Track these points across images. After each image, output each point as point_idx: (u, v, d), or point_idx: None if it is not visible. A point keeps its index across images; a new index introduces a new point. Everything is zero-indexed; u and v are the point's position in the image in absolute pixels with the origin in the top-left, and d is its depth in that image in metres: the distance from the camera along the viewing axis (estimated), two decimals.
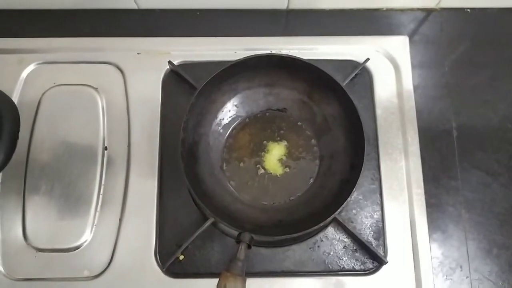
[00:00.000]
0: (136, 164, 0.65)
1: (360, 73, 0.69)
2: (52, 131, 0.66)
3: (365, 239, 0.61)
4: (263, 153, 0.66)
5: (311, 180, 0.65)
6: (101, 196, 0.63)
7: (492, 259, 0.63)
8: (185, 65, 0.69)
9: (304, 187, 0.64)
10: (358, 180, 0.56)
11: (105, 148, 0.66)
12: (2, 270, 0.60)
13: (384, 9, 0.75)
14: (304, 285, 0.60)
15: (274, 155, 0.66)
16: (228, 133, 0.67)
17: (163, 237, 0.62)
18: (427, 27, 0.75)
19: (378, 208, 0.64)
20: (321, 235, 0.62)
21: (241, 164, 0.65)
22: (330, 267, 0.61)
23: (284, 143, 0.67)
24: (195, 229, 0.59)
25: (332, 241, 0.62)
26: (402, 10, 0.75)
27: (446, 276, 0.62)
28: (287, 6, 0.74)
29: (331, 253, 0.62)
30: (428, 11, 0.75)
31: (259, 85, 0.67)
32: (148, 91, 0.68)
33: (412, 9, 0.75)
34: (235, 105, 0.67)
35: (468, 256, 0.63)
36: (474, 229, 0.64)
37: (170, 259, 0.59)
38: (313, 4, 0.74)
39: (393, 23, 0.75)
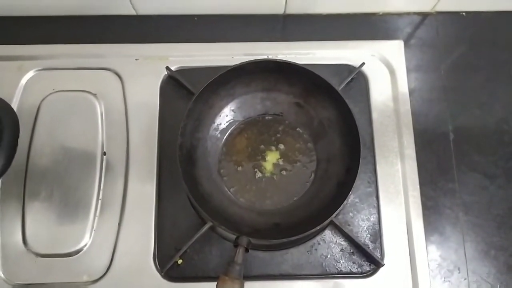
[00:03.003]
0: (135, 169, 0.65)
1: (356, 77, 0.70)
2: (52, 137, 0.66)
3: (362, 242, 0.61)
4: (260, 157, 0.66)
5: (308, 184, 0.65)
6: (100, 201, 0.64)
7: (490, 261, 0.63)
8: (183, 71, 0.70)
9: (301, 190, 0.65)
10: (355, 183, 0.56)
11: (104, 153, 0.66)
12: (2, 275, 0.61)
13: (381, 13, 0.76)
14: None
15: (271, 159, 0.66)
16: (225, 137, 0.67)
17: (161, 241, 0.62)
18: (423, 31, 0.75)
19: (374, 211, 0.64)
20: (318, 238, 0.63)
21: (239, 168, 0.66)
22: (328, 270, 0.61)
23: (281, 147, 0.67)
24: (194, 233, 0.59)
25: (329, 244, 0.62)
26: (398, 14, 0.76)
27: (444, 278, 0.62)
28: (284, 11, 0.75)
29: (329, 256, 0.62)
30: (424, 15, 0.76)
31: (256, 90, 0.67)
32: (146, 97, 0.68)
33: (408, 13, 0.76)
34: (232, 110, 0.68)
35: (466, 258, 0.63)
36: (471, 231, 0.64)
37: (168, 263, 0.60)
38: (310, 9, 0.75)
39: (389, 27, 0.75)
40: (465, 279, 0.62)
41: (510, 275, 0.62)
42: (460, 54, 0.73)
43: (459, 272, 0.62)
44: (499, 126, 0.69)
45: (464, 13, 0.76)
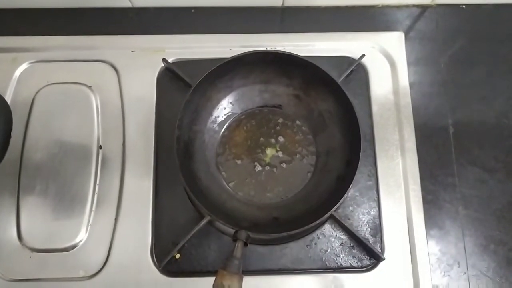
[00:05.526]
0: (131, 162, 0.64)
1: (355, 69, 0.69)
2: (46, 130, 0.65)
3: (362, 236, 0.61)
4: (259, 150, 0.66)
5: (308, 177, 0.64)
6: (96, 195, 0.63)
7: (490, 255, 0.63)
8: (180, 63, 0.69)
9: (300, 184, 0.64)
10: (355, 177, 0.56)
11: (100, 147, 0.65)
12: None
13: (380, 5, 0.75)
14: (301, 283, 0.60)
15: (270, 152, 0.66)
16: (223, 130, 0.67)
17: (159, 236, 0.61)
18: (423, 23, 0.74)
19: (375, 204, 0.63)
20: (318, 232, 0.62)
21: (237, 162, 0.65)
22: (327, 264, 0.61)
23: (281, 139, 0.66)
24: (191, 228, 0.59)
25: (329, 238, 0.62)
26: (398, 7, 0.75)
27: (444, 272, 0.62)
28: (283, 3, 0.74)
29: (328, 250, 0.61)
30: (423, 8, 0.75)
31: (255, 82, 0.66)
32: (142, 89, 0.68)
33: (407, 6, 0.75)
34: (231, 102, 0.67)
35: (465, 252, 0.63)
36: (471, 225, 0.64)
37: (166, 258, 0.59)
38: (308, 1, 0.74)
39: (389, 20, 0.74)
40: (464, 273, 0.62)
41: (509, 269, 0.62)
42: (460, 47, 0.73)
43: (458, 266, 0.62)
44: (499, 120, 0.69)
45: (464, 6, 0.75)
